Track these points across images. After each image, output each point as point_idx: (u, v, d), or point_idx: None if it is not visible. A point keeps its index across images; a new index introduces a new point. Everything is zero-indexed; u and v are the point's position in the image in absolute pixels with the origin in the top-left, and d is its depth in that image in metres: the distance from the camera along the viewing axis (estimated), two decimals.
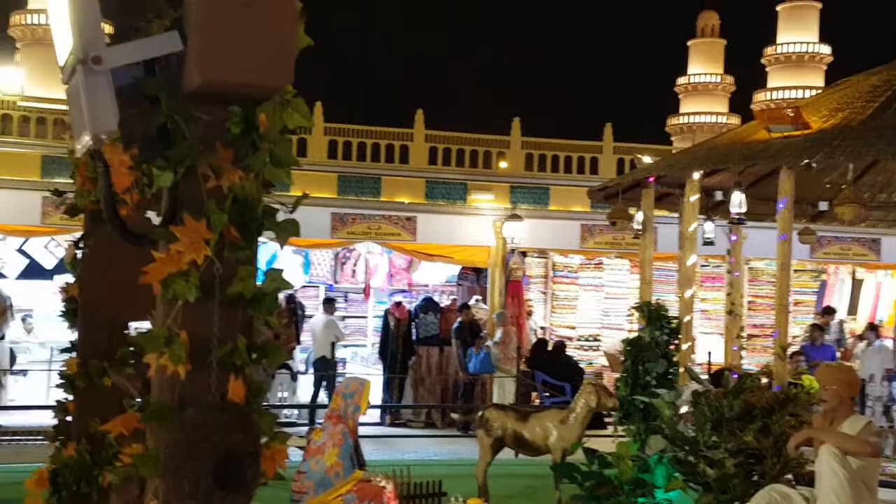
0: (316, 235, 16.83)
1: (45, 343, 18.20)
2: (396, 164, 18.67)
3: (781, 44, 44.18)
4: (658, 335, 10.32)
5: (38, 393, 16.54)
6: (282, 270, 2.72)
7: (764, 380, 9.64)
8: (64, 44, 2.57)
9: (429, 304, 18.54)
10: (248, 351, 2.64)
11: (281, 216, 2.73)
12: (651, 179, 12.49)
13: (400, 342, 17.63)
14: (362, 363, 20.10)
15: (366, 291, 20.35)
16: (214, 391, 2.58)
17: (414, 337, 17.83)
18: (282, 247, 2.77)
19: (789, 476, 8.16)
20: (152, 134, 2.61)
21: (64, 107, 18.41)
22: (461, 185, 18.75)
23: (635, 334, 11.09)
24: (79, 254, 5.18)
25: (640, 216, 12.74)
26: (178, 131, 2.57)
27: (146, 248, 2.68)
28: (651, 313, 10.50)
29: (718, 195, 12.86)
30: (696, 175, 11.53)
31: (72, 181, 15.83)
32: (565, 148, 19.68)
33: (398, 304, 18.34)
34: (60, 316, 5.44)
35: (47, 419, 12.99)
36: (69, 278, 17.73)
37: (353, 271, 20.15)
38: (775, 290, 11.48)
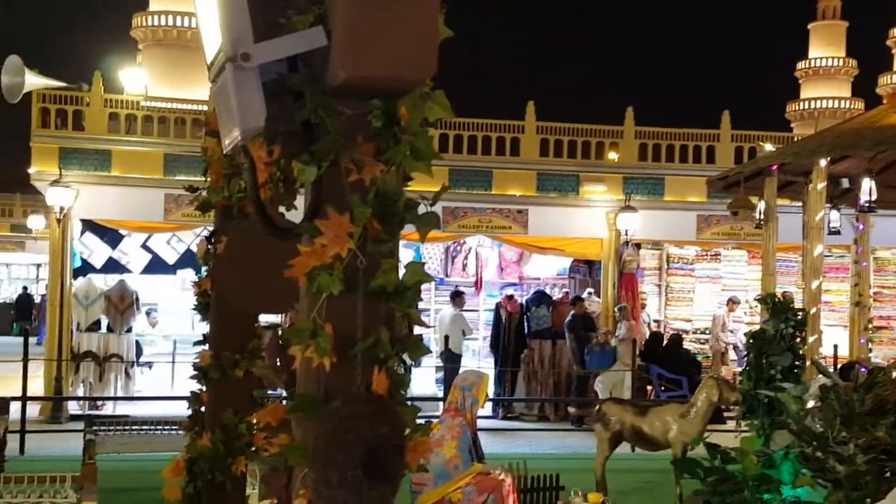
0: None
1: (169, 336, 18.72)
2: (507, 157, 18.61)
3: None
4: (783, 328, 10.08)
5: (163, 384, 17.04)
6: (423, 264, 2.74)
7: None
8: (212, 43, 2.62)
9: (541, 297, 18.51)
10: (391, 344, 2.66)
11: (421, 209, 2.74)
12: (774, 167, 12.24)
13: (512, 335, 17.64)
14: (474, 356, 20.14)
15: (477, 285, 20.37)
16: (359, 383, 2.60)
17: (526, 330, 17.81)
18: (422, 240, 2.79)
19: None
20: (296, 129, 2.64)
21: (186, 106, 19.01)
22: (573, 177, 18.56)
23: (756, 327, 10.87)
24: (210, 249, 5.32)
25: (762, 205, 12.49)
26: (322, 126, 2.60)
27: (290, 241, 2.71)
28: (776, 305, 10.25)
29: (845, 183, 12.51)
30: (823, 162, 11.25)
31: (194, 178, 16.25)
32: (680, 137, 19.27)
33: (510, 297, 18.34)
34: (193, 309, 5.59)
35: (172, 409, 13.42)
36: (190, 273, 18.30)
37: (464, 265, 20.21)
38: None
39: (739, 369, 12.78)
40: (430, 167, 2.69)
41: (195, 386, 5.53)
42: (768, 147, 17.92)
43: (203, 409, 5.42)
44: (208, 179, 5.23)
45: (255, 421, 5.44)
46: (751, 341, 10.31)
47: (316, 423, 2.56)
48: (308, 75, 2.59)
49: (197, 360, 5.41)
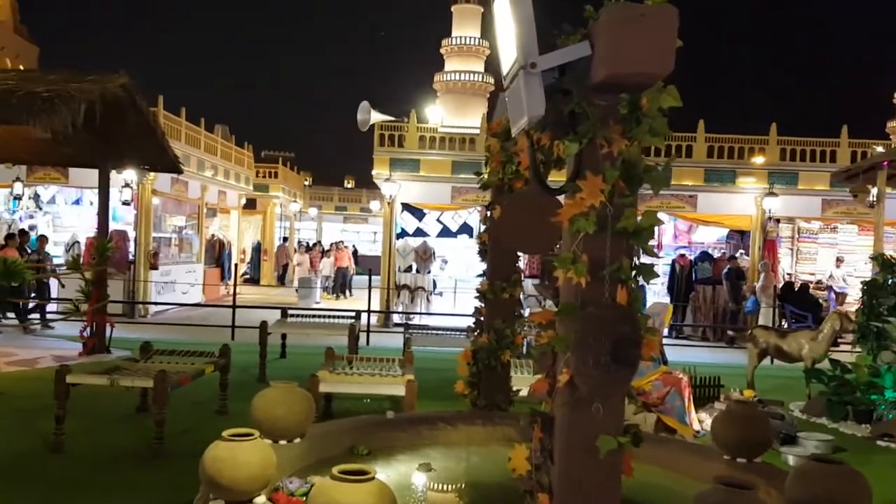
0: None
1: (451, 276, 19.04)
2: (683, 158, 17.59)
3: None
4: (889, 278, 9.01)
5: (448, 305, 17.36)
6: (656, 211, 2.46)
7: None
8: (507, 59, 2.45)
9: (705, 256, 17.75)
10: (630, 269, 2.41)
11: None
12: (885, 164, 10.93)
13: (683, 282, 16.93)
14: (655, 296, 19.32)
15: (658, 246, 19.59)
16: (607, 296, 2.37)
17: (694, 278, 17.09)
18: (656, 193, 2.49)
19: None
20: (563, 118, 2.42)
21: (465, 130, 19.17)
22: (731, 172, 17.38)
23: (867, 278, 9.70)
24: (488, 215, 5.24)
25: (875, 191, 11.27)
26: (583, 114, 2.38)
27: (556, 196, 2.51)
28: (884, 262, 9.17)
29: None
30: None
31: (471, 175, 16.03)
32: (810, 144, 17.67)
33: (682, 255, 17.49)
34: (478, 254, 5.52)
35: (454, 322, 13.52)
36: (465, 237, 18.06)
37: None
38: None
39: (854, 308, 11.49)
40: (664, 142, 2.41)
41: (473, 304, 5.49)
42: (879, 149, 16.27)
43: (482, 318, 5.37)
44: (488, 168, 5.13)
45: (524, 325, 5.37)
46: (865, 287, 9.27)
47: (576, 323, 2.35)
48: (575, 78, 2.36)
49: (478, 287, 5.35)
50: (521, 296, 5.35)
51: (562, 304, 2.48)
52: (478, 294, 5.35)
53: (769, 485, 3.86)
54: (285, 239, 30.80)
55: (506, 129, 4.53)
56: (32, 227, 18.13)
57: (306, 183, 38.64)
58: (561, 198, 2.62)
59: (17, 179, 15.00)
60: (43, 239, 14.49)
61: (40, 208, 18.40)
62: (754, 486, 3.05)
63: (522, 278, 5.41)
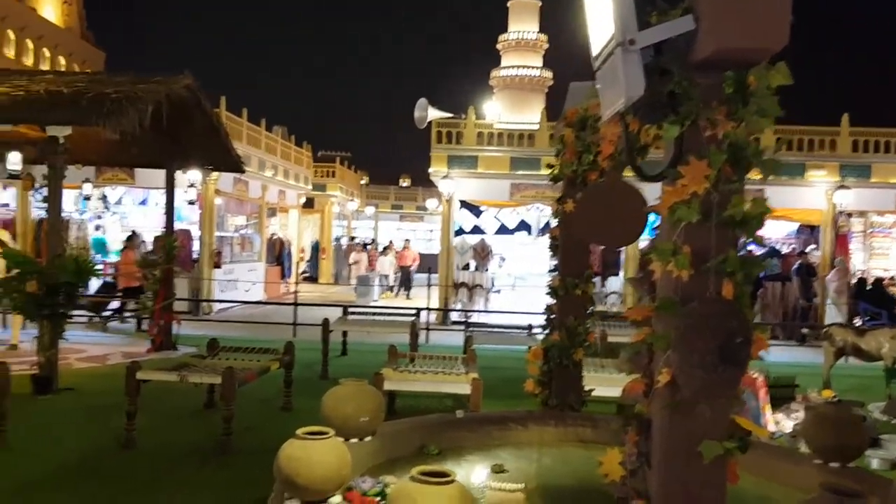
0: None
1: (510, 274, 18.87)
2: None
3: None
4: None
5: (507, 303, 17.19)
6: (766, 199, 2.27)
7: None
8: (599, 39, 2.29)
9: (773, 252, 17.05)
10: (737, 261, 2.23)
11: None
12: None
13: None
14: None
15: None
16: (712, 290, 2.20)
17: (762, 275, 16.48)
18: (766, 178, 2.30)
19: None
20: (660, 100, 2.26)
21: (523, 126, 18.94)
22: (800, 165, 16.65)
23: None
24: (560, 208, 5.07)
25: None
26: (684, 95, 2.21)
27: (657, 182, 2.35)
28: None
29: None
30: None
31: (530, 172, 15.75)
32: (885, 135, 16.77)
33: (749, 251, 16.90)
34: (549, 249, 5.34)
35: (514, 319, 13.32)
36: (524, 234, 17.83)
37: None
38: None
39: None
40: (773, 122, 2.22)
41: (533, 301, 5.35)
42: None
43: (553, 315, 5.20)
44: (559, 160, 4.95)
45: (596, 322, 5.18)
46: None
47: (677, 319, 2.19)
48: (675, 55, 2.20)
49: (549, 283, 5.19)
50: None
51: (660, 299, 2.31)
52: (549, 290, 5.19)
53: (871, 492, 3.61)
54: (353, 238, 31.25)
55: (581, 118, 4.36)
56: (99, 227, 18.67)
57: (363, 182, 38.95)
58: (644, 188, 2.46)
59: (87, 180, 15.45)
60: (159, 239, 14.81)
61: (108, 209, 18.93)
62: (863, 493, 2.83)
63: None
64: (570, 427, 4.88)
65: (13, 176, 10.54)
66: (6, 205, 17.50)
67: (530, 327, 10.20)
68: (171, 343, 10.82)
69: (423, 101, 15.56)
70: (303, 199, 26.59)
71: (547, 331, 5.22)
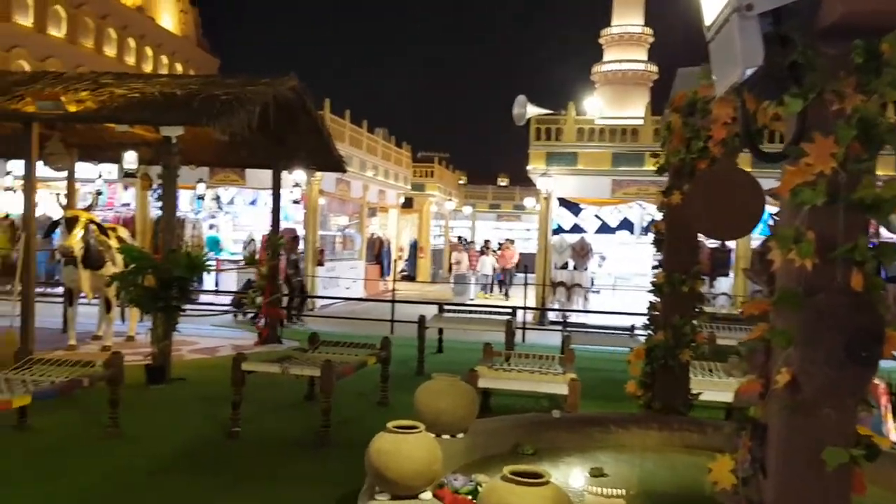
0: None
1: (610, 274, 18.43)
2: None
3: None
4: None
5: (607, 303, 16.77)
6: None
7: None
8: (712, 7, 2.12)
9: None
10: (868, 249, 2.00)
11: None
12: None
13: None
14: None
15: None
16: (840, 280, 1.98)
17: (884, 276, 15.22)
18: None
19: None
20: (779, 73, 2.05)
21: (625, 122, 18.43)
22: None
23: None
24: (665, 200, 4.83)
25: None
26: (807, 65, 2.00)
27: (779, 163, 2.14)
28: None
29: None
30: None
31: (633, 168, 15.25)
32: None
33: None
34: (653, 244, 5.12)
35: (614, 320, 12.96)
36: (626, 233, 17.34)
37: None
38: None
39: None
40: None
41: (634, 302, 5.12)
42: None
43: (657, 314, 4.97)
44: (665, 149, 4.72)
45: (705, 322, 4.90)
46: None
47: (800, 313, 1.98)
48: (797, 22, 1.99)
49: (653, 280, 4.96)
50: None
51: (780, 290, 2.11)
52: (653, 287, 4.95)
53: None
54: (459, 238, 31.59)
55: (690, 102, 4.12)
56: (213, 226, 19.58)
57: (461, 182, 39.13)
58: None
59: (200, 181, 16.21)
60: (295, 240, 15.46)
61: (221, 208, 19.83)
62: None
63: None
64: (675, 431, 4.64)
65: (129, 175, 11.16)
66: (127, 204, 18.63)
67: (632, 328, 9.87)
68: (277, 337, 11.17)
69: (521, 98, 15.39)
70: (402, 199, 26.97)
71: (650, 330, 4.99)
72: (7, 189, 17.15)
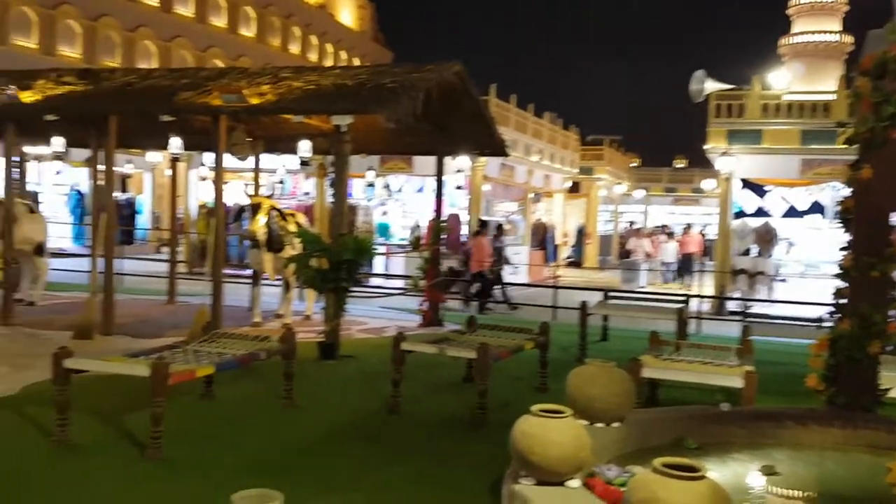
0: None
1: (799, 261, 17.08)
2: None
3: None
4: None
5: (794, 293, 15.56)
6: None
7: None
8: None
9: None
10: None
11: None
12: None
13: None
14: None
15: None
16: None
17: None
18: None
19: None
20: None
21: (816, 97, 16.88)
22: None
23: None
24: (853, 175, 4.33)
25: None
26: None
27: None
28: None
29: None
30: None
31: (824, 146, 14.05)
32: None
33: None
34: (839, 224, 4.61)
35: (802, 311, 11.94)
36: (817, 217, 16.05)
37: None
38: None
39: None
40: None
41: (825, 291, 4.61)
42: None
43: (843, 301, 4.48)
44: (855, 118, 4.22)
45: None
46: None
47: None
48: None
49: (840, 263, 4.47)
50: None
51: None
52: (839, 272, 4.47)
53: None
54: (631, 223, 30.82)
55: (879, 63, 3.64)
56: (385, 213, 20.44)
57: (633, 165, 37.88)
58: None
59: (370, 168, 16.95)
60: (501, 229, 16.12)
61: (391, 196, 20.65)
62: None
63: None
64: (859, 430, 4.17)
65: (304, 163, 11.86)
66: (308, 193, 19.92)
67: (821, 319, 9.03)
68: (438, 319, 11.43)
69: (699, 73, 14.53)
70: (568, 183, 26.55)
71: (836, 318, 4.51)
72: (203, 179, 18.94)
